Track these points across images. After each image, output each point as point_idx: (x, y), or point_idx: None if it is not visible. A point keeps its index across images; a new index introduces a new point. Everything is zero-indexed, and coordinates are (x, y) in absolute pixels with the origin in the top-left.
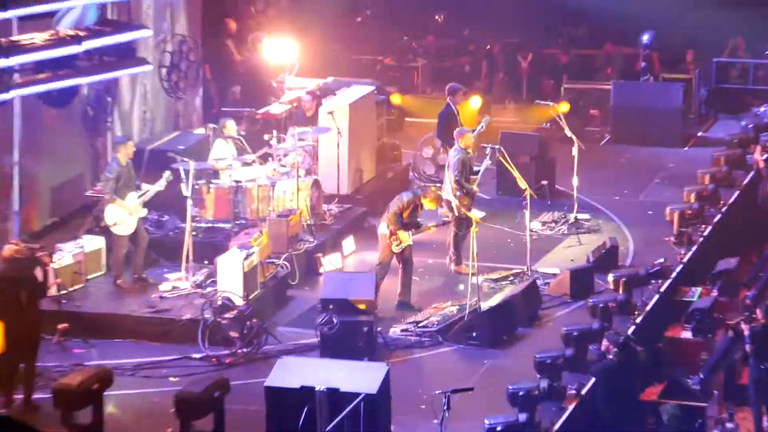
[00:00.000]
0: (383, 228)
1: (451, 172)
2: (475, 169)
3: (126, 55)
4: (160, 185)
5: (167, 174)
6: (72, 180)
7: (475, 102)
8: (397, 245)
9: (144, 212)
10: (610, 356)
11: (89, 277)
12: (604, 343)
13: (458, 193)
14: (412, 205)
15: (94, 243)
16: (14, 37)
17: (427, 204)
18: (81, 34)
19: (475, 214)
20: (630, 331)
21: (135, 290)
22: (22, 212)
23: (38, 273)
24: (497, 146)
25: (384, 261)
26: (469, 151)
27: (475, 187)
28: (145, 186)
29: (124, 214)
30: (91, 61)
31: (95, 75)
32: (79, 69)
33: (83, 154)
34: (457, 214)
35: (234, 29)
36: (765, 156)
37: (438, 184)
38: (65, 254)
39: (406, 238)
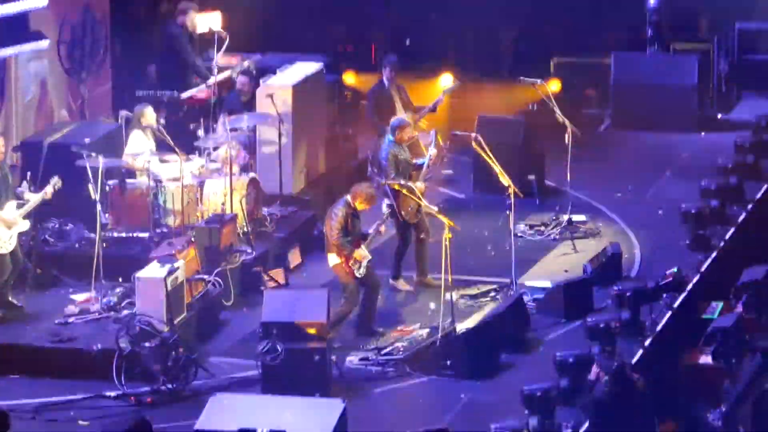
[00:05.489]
0: (333, 259)
1: (384, 172)
2: (416, 162)
3: (18, 29)
4: (45, 194)
5: (55, 180)
6: None
7: (444, 80)
8: (359, 268)
9: (25, 225)
10: (602, 386)
11: None
12: (594, 369)
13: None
14: (349, 215)
15: None
16: None
17: (361, 206)
18: None
19: (361, 252)
20: (637, 356)
21: (8, 319)
22: None
23: None
24: (473, 133)
25: (352, 290)
26: (403, 146)
27: (419, 183)
28: (27, 194)
29: (1, 228)
30: None
31: None
32: None
33: None
34: (404, 220)
35: None
36: None
37: (402, 182)
38: None
39: (363, 253)
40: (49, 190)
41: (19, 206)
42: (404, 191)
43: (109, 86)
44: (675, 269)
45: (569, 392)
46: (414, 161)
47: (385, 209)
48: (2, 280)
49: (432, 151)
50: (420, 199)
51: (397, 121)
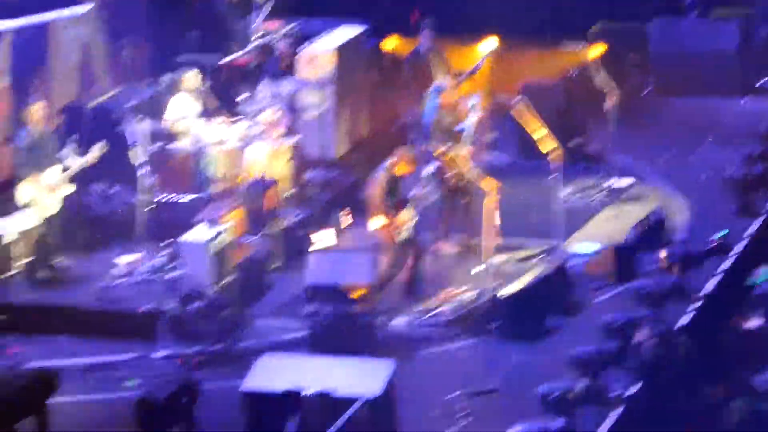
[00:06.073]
0: (377, 223)
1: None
2: (459, 127)
3: None
4: (91, 158)
5: (101, 145)
6: None
7: (488, 44)
8: (402, 232)
9: (70, 189)
10: (649, 350)
11: (25, 261)
12: (641, 333)
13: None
14: (392, 179)
15: (32, 220)
16: None
17: (402, 170)
18: None
19: (404, 215)
20: (684, 320)
21: (55, 281)
22: None
23: None
24: (518, 97)
25: (396, 254)
26: (446, 110)
27: (463, 149)
28: (71, 159)
29: (42, 192)
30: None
31: (21, 17)
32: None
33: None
34: (449, 184)
35: None
36: None
37: (446, 146)
38: None
39: (408, 216)
40: (95, 155)
41: (64, 170)
42: (448, 156)
43: (152, 51)
44: (722, 232)
45: (617, 355)
46: (457, 126)
47: (427, 173)
48: (47, 242)
49: (475, 115)
50: (464, 163)
51: (438, 86)
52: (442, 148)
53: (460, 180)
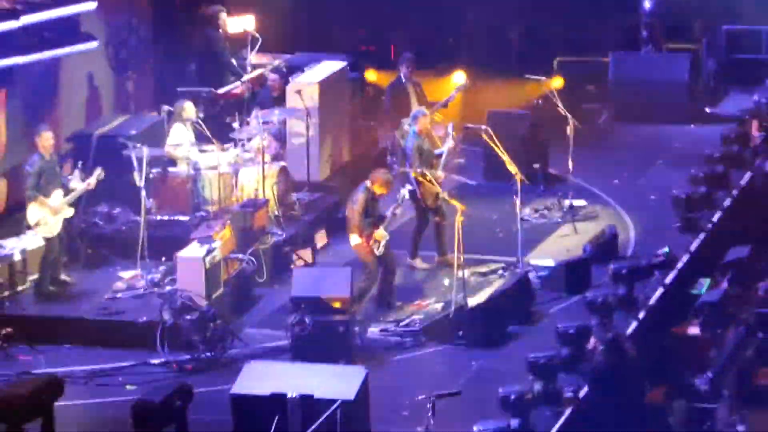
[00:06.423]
0: (355, 240)
1: (409, 161)
2: (436, 152)
3: (69, 31)
4: (89, 184)
5: (98, 171)
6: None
7: (457, 77)
8: (378, 248)
9: (70, 212)
10: (599, 355)
11: (33, 277)
12: (592, 340)
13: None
14: (369, 199)
15: (38, 240)
16: None
17: (379, 191)
18: (18, 7)
19: (380, 233)
20: (631, 328)
21: (60, 295)
22: None
23: None
24: (484, 126)
25: (371, 269)
26: (424, 137)
27: (439, 172)
28: (73, 183)
29: (47, 214)
30: (29, 37)
31: (35, 53)
32: (16, 47)
33: (26, 144)
34: (424, 205)
35: None
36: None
37: (424, 170)
38: (5, 251)
39: (382, 234)
40: (92, 181)
41: (66, 194)
42: (425, 179)
43: (153, 83)
44: (666, 249)
45: (570, 360)
46: (436, 151)
47: (404, 194)
48: (51, 260)
49: (449, 142)
50: (439, 186)
51: (417, 113)
52: (420, 171)
53: (434, 200)
